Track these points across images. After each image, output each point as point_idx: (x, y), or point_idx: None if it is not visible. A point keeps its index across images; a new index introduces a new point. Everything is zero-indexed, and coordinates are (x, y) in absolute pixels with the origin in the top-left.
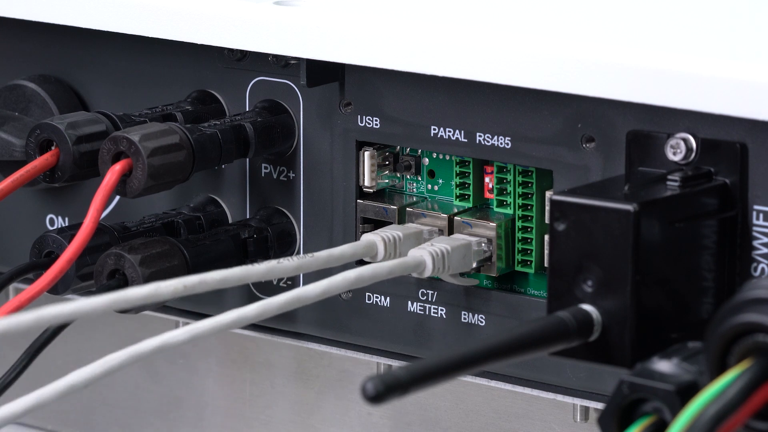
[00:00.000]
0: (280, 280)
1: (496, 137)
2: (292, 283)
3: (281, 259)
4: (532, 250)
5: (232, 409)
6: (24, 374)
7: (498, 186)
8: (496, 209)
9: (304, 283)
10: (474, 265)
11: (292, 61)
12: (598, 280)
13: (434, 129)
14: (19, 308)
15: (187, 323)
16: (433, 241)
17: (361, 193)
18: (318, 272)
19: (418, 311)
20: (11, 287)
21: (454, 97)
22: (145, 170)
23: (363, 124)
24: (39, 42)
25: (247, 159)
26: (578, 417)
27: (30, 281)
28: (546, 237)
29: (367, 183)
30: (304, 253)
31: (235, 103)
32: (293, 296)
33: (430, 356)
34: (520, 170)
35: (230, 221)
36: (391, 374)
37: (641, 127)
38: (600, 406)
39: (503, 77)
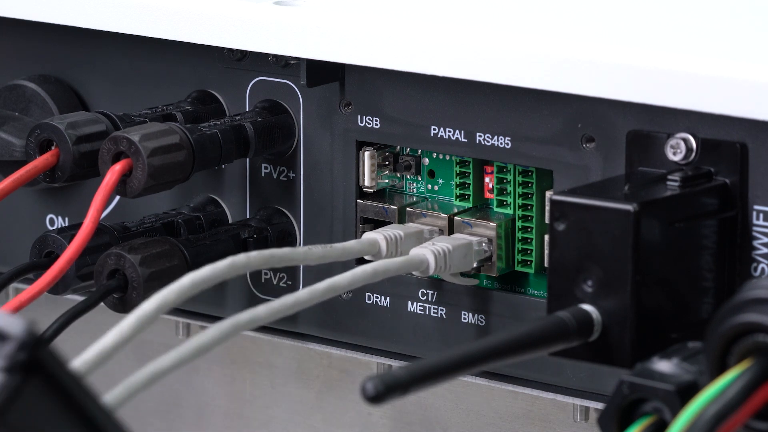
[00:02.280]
0: (280, 279)
1: (496, 137)
2: (292, 283)
3: (311, 246)
4: (532, 250)
5: (232, 409)
6: None
7: (498, 186)
8: (496, 209)
9: (304, 281)
10: (474, 264)
11: (292, 61)
12: (598, 280)
13: (434, 129)
14: (19, 308)
15: (188, 323)
16: (435, 240)
17: (361, 193)
18: (317, 273)
19: (418, 311)
20: (11, 287)
21: (454, 97)
22: (145, 170)
23: (363, 124)
24: (39, 42)
25: (247, 159)
26: (578, 417)
27: (30, 281)
28: (546, 237)
29: (367, 183)
30: None
31: (235, 103)
32: (328, 285)
33: (430, 356)
34: (520, 170)
35: (230, 221)
36: (390, 374)
37: (641, 127)
38: (600, 406)
39: (503, 77)
